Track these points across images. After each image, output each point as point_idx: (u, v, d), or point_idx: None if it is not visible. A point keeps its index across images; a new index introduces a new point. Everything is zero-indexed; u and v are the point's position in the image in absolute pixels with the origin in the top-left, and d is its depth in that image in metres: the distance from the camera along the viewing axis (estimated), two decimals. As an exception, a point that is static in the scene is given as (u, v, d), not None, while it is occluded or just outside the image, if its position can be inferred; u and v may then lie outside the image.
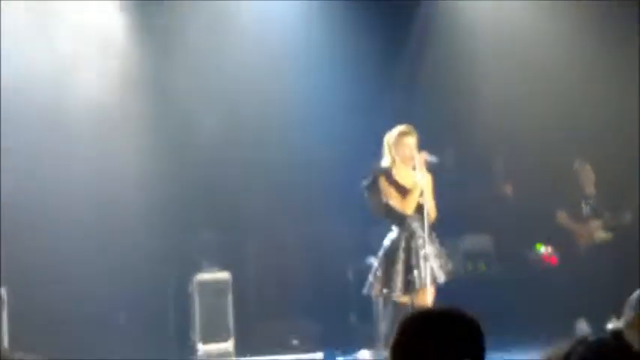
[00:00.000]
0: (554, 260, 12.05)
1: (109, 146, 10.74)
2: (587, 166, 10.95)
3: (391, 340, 2.31)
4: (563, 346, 1.96)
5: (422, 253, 7.76)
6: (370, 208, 8.18)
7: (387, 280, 7.80)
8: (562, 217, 11.06)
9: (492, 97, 11.87)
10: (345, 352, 7.92)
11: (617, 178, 11.06)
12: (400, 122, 8.11)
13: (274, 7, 11.36)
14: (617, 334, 1.94)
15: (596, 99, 11.36)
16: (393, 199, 7.88)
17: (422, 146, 8.03)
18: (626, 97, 11.29)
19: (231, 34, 11.25)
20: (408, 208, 7.87)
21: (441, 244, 8.14)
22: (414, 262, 7.75)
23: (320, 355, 5.85)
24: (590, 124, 11.37)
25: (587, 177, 10.96)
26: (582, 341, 1.95)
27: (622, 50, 11.20)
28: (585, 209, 10.98)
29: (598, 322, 10.04)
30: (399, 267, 7.78)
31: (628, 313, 2.75)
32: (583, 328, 10.40)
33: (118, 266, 10.55)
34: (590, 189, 11.02)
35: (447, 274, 7.91)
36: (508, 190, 12.49)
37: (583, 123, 11.41)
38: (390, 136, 8.01)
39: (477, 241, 12.15)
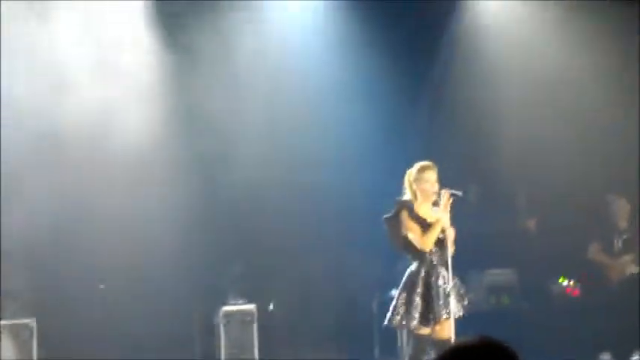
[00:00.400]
0: (576, 293, 12.10)
1: (139, 178, 10.87)
2: (622, 200, 10.93)
3: None
4: None
5: (442, 286, 7.84)
6: (390, 241, 8.23)
7: (407, 312, 7.87)
8: (595, 250, 11.04)
9: (517, 128, 11.94)
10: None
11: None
12: (427, 158, 8.19)
13: (306, 29, 11.52)
14: None
15: (629, 130, 11.40)
16: (413, 234, 7.94)
17: (444, 179, 8.10)
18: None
19: (266, 55, 11.40)
20: (426, 244, 7.93)
21: (462, 277, 8.21)
22: (432, 295, 7.82)
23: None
24: (619, 155, 11.43)
25: (621, 211, 10.93)
26: None
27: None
28: (617, 244, 10.96)
29: (622, 356, 10.10)
30: (418, 300, 7.84)
31: None
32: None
33: (146, 298, 10.68)
34: (623, 223, 11.00)
35: (465, 307, 7.97)
36: (531, 224, 12.57)
37: (612, 154, 11.46)
38: (411, 172, 8.08)
39: (500, 275, 12.19)
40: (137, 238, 10.71)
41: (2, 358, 9.93)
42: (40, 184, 10.14)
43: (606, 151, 11.57)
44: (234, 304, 11.16)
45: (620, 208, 10.93)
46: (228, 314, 11.02)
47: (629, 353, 10.20)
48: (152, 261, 10.77)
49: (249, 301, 11.23)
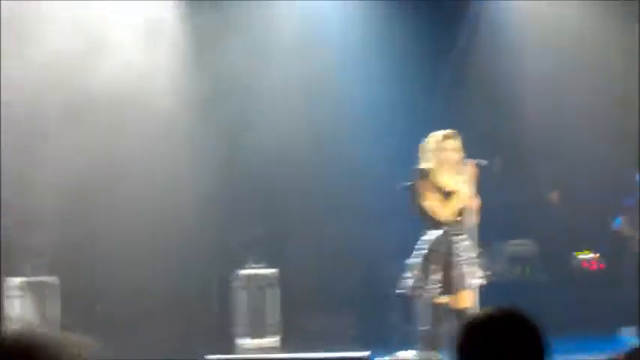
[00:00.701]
0: (596, 266, 12.10)
1: (162, 142, 10.93)
2: None
3: (457, 340, 2.31)
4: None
5: (461, 256, 7.82)
6: (410, 209, 8.19)
7: (424, 280, 7.86)
8: (624, 223, 11.06)
9: (541, 99, 11.92)
10: (386, 351, 8.02)
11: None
12: (446, 126, 8.13)
13: (322, 10, 11.52)
14: None
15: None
16: (432, 203, 7.90)
17: (467, 150, 8.03)
18: None
19: (279, 37, 11.44)
20: (445, 213, 7.89)
21: (484, 247, 8.20)
22: (451, 264, 7.81)
23: (366, 353, 5.94)
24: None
25: None
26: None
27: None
28: None
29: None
30: (437, 269, 7.83)
31: None
32: (629, 333, 10.45)
33: (167, 260, 10.77)
34: None
35: (485, 278, 7.95)
36: (555, 196, 12.55)
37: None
38: (433, 140, 7.98)
39: (521, 246, 12.20)
40: (159, 200, 10.79)
41: (25, 314, 10.07)
42: (67, 143, 10.22)
43: (632, 125, 11.52)
44: (253, 268, 11.21)
45: None
46: (246, 278, 11.08)
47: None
48: (173, 223, 10.85)
49: (268, 266, 11.29)
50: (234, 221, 11.49)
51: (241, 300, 11.00)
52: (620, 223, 10.97)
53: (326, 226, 12.10)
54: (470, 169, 7.84)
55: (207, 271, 11.38)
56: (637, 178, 11.01)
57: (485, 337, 2.26)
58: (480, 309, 3.01)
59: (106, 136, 10.54)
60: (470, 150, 8.04)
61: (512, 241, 12.13)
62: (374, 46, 11.61)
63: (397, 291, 8.15)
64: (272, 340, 10.99)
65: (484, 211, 8.07)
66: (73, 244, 10.31)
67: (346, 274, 12.06)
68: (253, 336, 10.93)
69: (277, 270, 11.20)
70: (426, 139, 8.00)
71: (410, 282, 7.95)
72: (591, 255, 12.18)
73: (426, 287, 7.83)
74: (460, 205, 7.87)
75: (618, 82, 11.46)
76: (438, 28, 11.89)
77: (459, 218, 7.90)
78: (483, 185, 8.23)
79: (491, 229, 8.95)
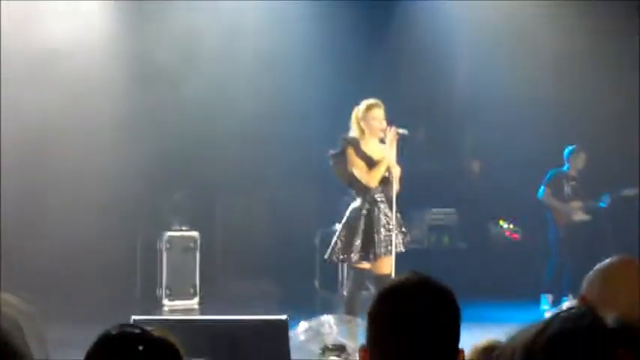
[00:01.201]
0: (516, 236, 12.34)
1: (94, 100, 10.86)
2: (582, 153, 11.17)
3: (370, 308, 2.32)
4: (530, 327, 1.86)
5: (383, 223, 7.91)
6: (335, 176, 8.25)
7: (348, 247, 7.92)
8: (547, 193, 11.26)
9: (469, 73, 12.13)
10: (308, 316, 8.09)
11: (600, 163, 11.36)
12: (380, 98, 8.17)
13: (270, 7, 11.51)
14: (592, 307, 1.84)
15: (587, 86, 11.66)
16: (359, 171, 7.96)
17: (396, 119, 8.10)
18: (618, 86, 11.58)
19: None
20: (371, 181, 7.96)
21: (404, 215, 8.29)
22: (374, 231, 7.89)
23: (283, 316, 6.02)
24: (567, 109, 11.70)
25: (576, 160, 11.19)
26: (557, 317, 1.85)
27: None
28: (567, 190, 11.22)
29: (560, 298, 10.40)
30: (359, 235, 7.91)
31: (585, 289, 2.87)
32: (549, 301, 10.70)
33: (96, 221, 10.72)
34: (573, 172, 11.25)
35: (406, 244, 8.06)
36: (475, 166, 12.76)
37: (559, 109, 11.75)
38: (358, 109, 8.05)
39: (441, 215, 12.37)
40: (88, 161, 10.75)
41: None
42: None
43: (557, 98, 11.80)
44: (178, 230, 11.22)
45: (578, 159, 11.16)
46: (171, 240, 11.08)
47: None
48: (101, 183, 10.80)
49: (192, 229, 11.30)
50: (162, 183, 11.45)
51: (164, 261, 11.00)
52: (543, 194, 11.20)
53: (252, 191, 12.15)
54: (391, 137, 7.91)
55: (136, 231, 11.35)
56: (566, 153, 11.25)
57: (398, 302, 2.29)
58: (397, 274, 3.05)
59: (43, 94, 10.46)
60: (398, 119, 8.12)
61: (433, 210, 12.30)
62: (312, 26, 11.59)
63: (325, 257, 8.19)
64: (191, 303, 11.03)
65: (406, 179, 8.16)
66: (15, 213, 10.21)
67: (269, 240, 12.13)
68: (173, 297, 10.95)
69: (198, 233, 11.21)
70: (354, 109, 8.06)
71: (333, 248, 8.01)
72: (509, 224, 12.43)
73: (349, 253, 7.91)
74: (383, 173, 7.95)
75: (548, 65, 11.74)
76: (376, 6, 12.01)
77: (381, 186, 7.99)
78: (406, 154, 8.32)
79: (412, 197, 9.06)
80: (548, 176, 11.19)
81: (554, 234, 11.17)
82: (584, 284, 2.79)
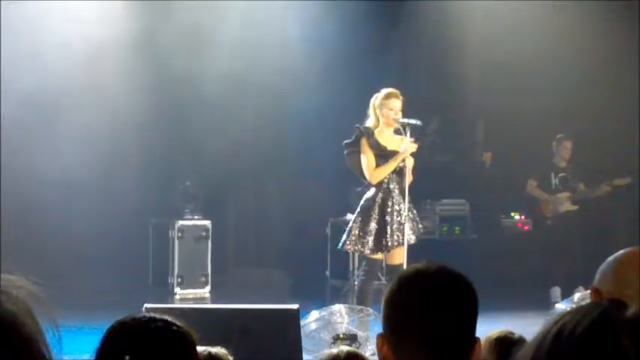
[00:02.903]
0: (527, 227, 12.33)
1: (104, 95, 10.85)
2: (567, 141, 11.20)
3: (387, 295, 2.29)
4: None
5: (397, 213, 7.90)
6: (349, 166, 8.23)
7: (361, 237, 7.93)
8: (532, 185, 11.33)
9: (482, 67, 12.14)
10: (319, 305, 8.10)
11: (593, 154, 11.39)
12: (389, 85, 8.12)
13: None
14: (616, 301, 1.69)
15: (589, 75, 11.66)
16: (366, 163, 7.95)
17: (407, 111, 8.06)
18: (616, 79, 11.60)
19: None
20: (374, 178, 7.95)
21: (417, 205, 8.28)
22: (387, 221, 7.89)
23: (295, 305, 6.04)
24: (578, 100, 11.70)
25: (563, 150, 11.23)
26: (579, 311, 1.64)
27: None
28: (555, 181, 11.24)
29: (570, 289, 10.39)
30: (373, 225, 7.90)
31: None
32: (557, 294, 10.69)
33: (105, 209, 10.75)
34: (562, 163, 11.28)
35: (418, 235, 8.06)
36: (487, 157, 12.75)
37: (570, 98, 11.75)
38: (377, 97, 8.05)
39: (453, 205, 12.36)
40: (100, 149, 10.77)
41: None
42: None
43: (565, 92, 11.79)
44: (190, 219, 11.24)
45: (563, 148, 11.19)
46: (183, 228, 11.10)
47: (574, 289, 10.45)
48: (113, 171, 10.83)
49: (205, 217, 11.32)
50: (174, 172, 11.47)
51: (176, 250, 11.02)
52: (528, 186, 11.28)
53: (264, 180, 12.16)
54: (410, 146, 7.87)
55: (148, 220, 11.37)
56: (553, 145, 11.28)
57: (418, 289, 2.27)
58: (410, 264, 3.03)
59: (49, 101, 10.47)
60: (412, 109, 8.09)
61: (445, 200, 12.29)
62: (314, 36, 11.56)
63: (338, 246, 8.20)
64: (203, 291, 11.06)
65: (419, 169, 8.16)
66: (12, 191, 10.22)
67: (280, 229, 12.14)
68: (185, 286, 10.98)
69: (210, 222, 11.22)
70: (373, 97, 8.03)
71: (348, 237, 8.01)
72: (521, 216, 12.43)
73: (362, 243, 7.91)
74: (398, 165, 7.93)
75: (561, 55, 11.75)
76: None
77: (395, 176, 7.97)
78: (419, 145, 8.29)
79: (425, 188, 9.05)
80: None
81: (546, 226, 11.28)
82: (597, 276, 2.78)
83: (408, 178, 7.91)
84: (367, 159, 7.95)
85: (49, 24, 10.49)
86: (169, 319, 2.12)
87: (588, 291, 3.32)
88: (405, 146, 7.88)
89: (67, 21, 10.62)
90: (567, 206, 11.24)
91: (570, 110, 11.73)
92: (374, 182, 7.98)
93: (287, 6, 11.31)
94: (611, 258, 2.79)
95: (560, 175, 11.24)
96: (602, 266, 2.79)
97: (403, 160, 7.91)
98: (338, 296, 10.21)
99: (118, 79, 10.91)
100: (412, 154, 7.95)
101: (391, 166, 7.92)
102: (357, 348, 7.28)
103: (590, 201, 11.37)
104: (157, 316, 2.13)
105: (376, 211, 7.92)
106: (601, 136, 11.73)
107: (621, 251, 2.79)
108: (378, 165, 7.96)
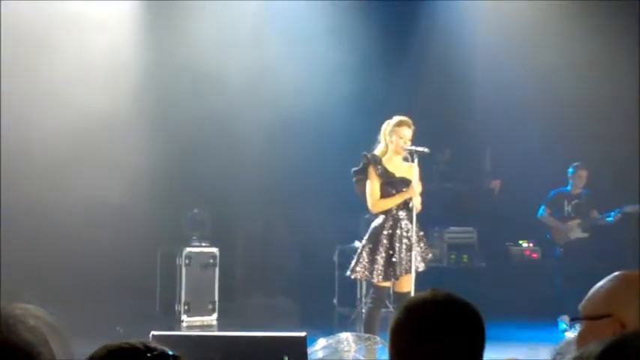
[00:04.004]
0: (536, 256, 12.31)
1: (112, 125, 10.89)
2: (582, 171, 11.20)
3: (393, 323, 2.31)
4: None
5: (405, 241, 7.89)
6: (359, 193, 8.23)
7: (369, 265, 7.92)
8: (547, 213, 11.30)
9: (489, 97, 12.16)
10: (326, 333, 8.08)
11: (606, 179, 11.37)
12: (399, 113, 8.14)
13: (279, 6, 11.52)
14: None
15: (595, 101, 11.66)
16: (370, 192, 7.95)
17: (417, 138, 8.05)
18: (625, 100, 11.60)
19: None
20: (375, 208, 7.96)
21: (425, 233, 8.27)
22: (396, 249, 7.88)
23: (302, 333, 6.01)
24: (586, 125, 11.70)
25: (578, 179, 11.22)
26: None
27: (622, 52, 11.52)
28: (567, 208, 11.24)
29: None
30: (381, 253, 7.89)
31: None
32: (566, 323, 10.65)
33: (113, 236, 10.74)
34: (576, 190, 11.27)
35: (426, 263, 8.04)
36: (496, 185, 12.76)
37: (578, 124, 11.74)
38: (388, 124, 8.06)
39: (461, 233, 12.35)
40: (108, 176, 10.78)
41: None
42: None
43: (575, 120, 11.81)
44: (197, 246, 11.23)
45: (578, 177, 11.19)
46: (190, 255, 11.10)
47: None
48: (120, 198, 10.83)
49: (212, 245, 11.31)
50: (183, 199, 11.48)
51: (183, 277, 11.01)
52: (542, 213, 11.23)
53: (271, 208, 12.16)
54: (417, 178, 7.88)
55: (156, 247, 11.37)
56: (569, 172, 11.27)
57: (424, 317, 2.28)
58: (418, 292, 3.01)
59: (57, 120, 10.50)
60: (420, 139, 8.08)
61: (453, 228, 12.28)
62: (334, 41, 11.59)
63: (347, 274, 8.18)
64: (210, 319, 11.04)
65: (427, 197, 8.15)
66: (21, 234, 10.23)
67: (287, 256, 12.14)
68: (192, 313, 10.96)
69: (217, 249, 11.22)
70: (384, 124, 8.04)
71: (355, 265, 7.99)
72: (530, 244, 12.41)
73: (371, 271, 7.89)
74: (409, 195, 7.92)
75: (566, 80, 11.73)
76: (399, 26, 12.03)
77: (403, 204, 7.97)
78: (427, 172, 8.31)
79: (433, 215, 9.05)
80: (549, 196, 11.24)
81: (554, 254, 11.22)
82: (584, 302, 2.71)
83: (416, 209, 7.90)
84: (372, 187, 7.95)
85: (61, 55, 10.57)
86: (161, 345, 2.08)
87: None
88: (412, 187, 7.88)
89: (80, 56, 10.70)
90: (577, 233, 11.23)
91: (579, 135, 11.72)
92: (374, 211, 8.00)
93: (292, 42, 11.36)
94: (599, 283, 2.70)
95: (573, 202, 11.25)
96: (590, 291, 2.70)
97: (411, 187, 7.92)
98: (345, 324, 10.19)
99: (126, 105, 10.95)
100: (421, 181, 7.96)
101: (395, 201, 7.93)
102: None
103: (600, 228, 11.35)
104: (146, 343, 2.09)
105: (384, 239, 7.91)
106: (612, 161, 11.70)
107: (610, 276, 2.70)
108: (384, 192, 7.95)
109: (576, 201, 11.26)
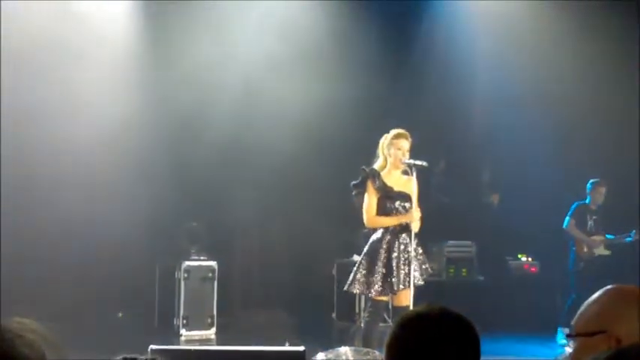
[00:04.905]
0: (535, 269, 12.30)
1: (107, 139, 10.89)
2: (601, 188, 11.20)
3: (389, 338, 2.31)
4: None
5: (403, 255, 7.89)
6: (358, 207, 8.22)
7: (368, 279, 7.91)
8: (572, 224, 11.28)
9: (490, 106, 12.16)
10: (325, 347, 8.07)
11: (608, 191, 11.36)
12: (397, 126, 8.15)
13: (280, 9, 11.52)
14: None
15: (599, 107, 11.66)
16: (366, 206, 7.95)
17: (415, 151, 8.06)
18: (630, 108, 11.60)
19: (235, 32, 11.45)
20: (369, 223, 7.99)
21: (424, 247, 8.26)
22: (394, 263, 7.88)
23: (301, 347, 6.00)
24: (588, 135, 11.71)
25: (597, 195, 11.21)
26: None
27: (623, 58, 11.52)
28: (590, 222, 11.25)
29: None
30: (380, 267, 7.88)
31: None
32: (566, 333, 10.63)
33: (111, 250, 10.74)
34: (594, 206, 11.27)
35: (425, 277, 8.03)
36: (494, 198, 12.75)
37: (580, 136, 11.75)
38: (385, 137, 8.07)
39: (460, 247, 12.34)
40: (106, 189, 10.78)
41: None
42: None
43: (573, 129, 11.81)
44: (196, 260, 11.22)
45: (597, 193, 11.18)
46: (189, 269, 11.08)
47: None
48: (118, 214, 10.82)
49: (211, 258, 11.30)
50: (181, 213, 11.47)
51: (182, 291, 11.00)
52: (568, 224, 11.21)
53: (270, 221, 12.15)
54: (413, 173, 7.88)
55: (154, 261, 11.36)
56: (588, 186, 11.25)
57: (419, 332, 2.28)
58: (416, 306, 3.01)
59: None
60: (418, 152, 8.09)
61: (451, 242, 12.27)
62: (332, 46, 11.61)
63: (345, 288, 8.17)
64: (208, 333, 11.02)
65: (425, 211, 8.15)
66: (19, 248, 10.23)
67: (286, 270, 12.12)
68: (191, 327, 10.95)
69: (216, 263, 11.21)
70: (384, 135, 8.05)
71: (353, 279, 7.98)
72: (528, 258, 12.40)
73: (369, 285, 7.89)
74: (405, 205, 7.92)
75: (567, 89, 11.72)
76: (397, 38, 12.03)
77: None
78: (424, 186, 8.30)
79: (431, 229, 9.03)
80: (572, 208, 11.23)
81: (574, 266, 11.16)
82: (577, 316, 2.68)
83: (414, 228, 7.88)
84: (368, 202, 7.96)
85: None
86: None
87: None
88: (411, 213, 7.88)
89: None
90: (601, 250, 11.24)
91: (586, 149, 11.72)
92: (368, 226, 8.02)
93: (294, 60, 11.38)
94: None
95: (593, 217, 11.25)
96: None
97: (409, 200, 7.91)
98: (344, 338, 10.19)
99: (123, 117, 10.96)
100: (418, 195, 7.96)
101: (391, 222, 7.93)
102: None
103: (622, 246, 11.33)
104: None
105: (383, 253, 7.91)
106: (614, 174, 11.67)
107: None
108: (382, 205, 7.96)
109: (595, 217, 11.28)
